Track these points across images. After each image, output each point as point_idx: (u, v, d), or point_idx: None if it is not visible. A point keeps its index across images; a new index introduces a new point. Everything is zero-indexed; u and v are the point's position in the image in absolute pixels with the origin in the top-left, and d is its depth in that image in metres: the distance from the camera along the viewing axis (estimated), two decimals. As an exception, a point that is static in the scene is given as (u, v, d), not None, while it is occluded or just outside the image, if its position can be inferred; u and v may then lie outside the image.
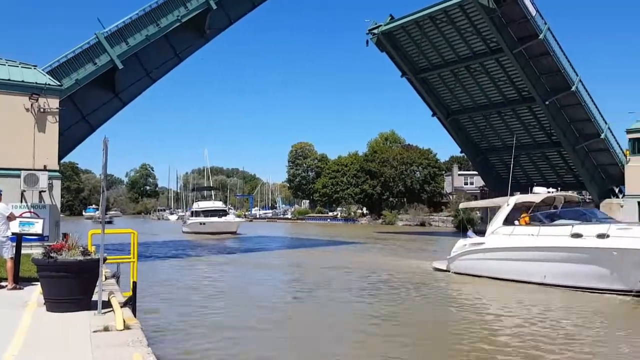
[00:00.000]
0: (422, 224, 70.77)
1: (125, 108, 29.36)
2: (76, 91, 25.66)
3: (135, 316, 7.56)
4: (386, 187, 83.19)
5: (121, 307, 7.20)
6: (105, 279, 9.96)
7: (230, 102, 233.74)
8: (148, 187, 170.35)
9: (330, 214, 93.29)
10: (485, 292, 18.01)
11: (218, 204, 61.31)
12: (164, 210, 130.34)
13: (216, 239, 45.18)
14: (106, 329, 6.31)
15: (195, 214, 57.61)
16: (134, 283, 8.86)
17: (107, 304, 7.44)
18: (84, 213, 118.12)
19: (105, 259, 7.99)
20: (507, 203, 20.92)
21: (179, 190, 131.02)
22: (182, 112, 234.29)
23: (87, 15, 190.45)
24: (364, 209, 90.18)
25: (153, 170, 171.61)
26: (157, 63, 29.21)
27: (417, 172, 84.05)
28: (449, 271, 21.48)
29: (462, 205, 28.12)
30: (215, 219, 53.44)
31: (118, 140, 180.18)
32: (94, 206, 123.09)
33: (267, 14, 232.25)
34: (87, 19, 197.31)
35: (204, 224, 52.79)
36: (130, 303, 8.32)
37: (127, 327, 6.38)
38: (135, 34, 26.93)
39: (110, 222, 77.92)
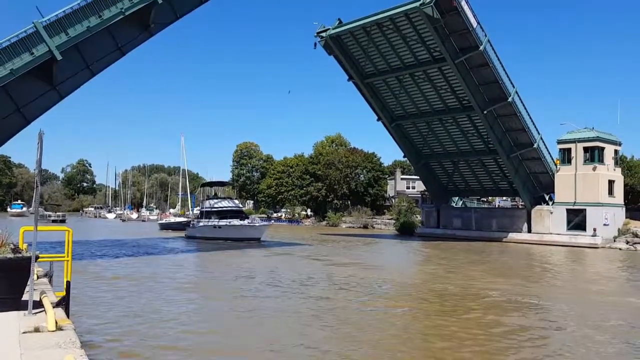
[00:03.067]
0: (365, 227, 71.90)
1: (62, 101, 28.35)
2: (11, 82, 24.61)
3: (68, 317, 7.36)
4: (331, 189, 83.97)
5: (54, 307, 6.99)
6: (37, 278, 9.61)
7: (173, 99, 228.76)
8: (85, 184, 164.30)
9: (275, 215, 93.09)
10: None
11: (232, 204, 49.24)
12: (101, 207, 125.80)
13: (235, 247, 37.49)
14: (37, 330, 6.11)
15: (207, 215, 46.23)
16: (68, 282, 8.59)
17: (39, 304, 7.21)
18: (9, 209, 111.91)
19: (37, 257, 7.73)
20: None
21: (117, 188, 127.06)
22: (121, 108, 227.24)
23: (25, 2, 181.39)
24: (309, 210, 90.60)
25: (90, 167, 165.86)
26: (98, 56, 28.38)
27: (362, 176, 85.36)
28: None
29: None
30: (237, 222, 43.24)
31: (54, 134, 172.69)
32: (20, 202, 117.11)
33: (214, 9, 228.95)
34: (25, 7, 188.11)
35: (220, 227, 43.09)
36: (64, 303, 8.09)
37: (59, 328, 6.20)
38: (75, 25, 26.10)
39: (63, 221, 73.77)
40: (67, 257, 8.88)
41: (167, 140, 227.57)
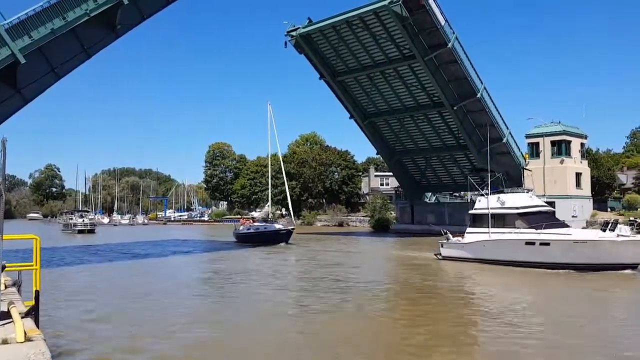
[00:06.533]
0: (341, 224, 72.14)
1: (28, 105, 27.66)
2: (-28, 86, 23.85)
3: (38, 327, 7.21)
4: (305, 188, 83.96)
5: (22, 317, 6.84)
6: (5, 287, 9.39)
7: (141, 99, 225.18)
8: (54, 189, 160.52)
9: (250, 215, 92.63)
10: None
11: (538, 202, 28.43)
12: (73, 212, 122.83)
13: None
14: (5, 342, 5.96)
15: (497, 221, 26.71)
16: (37, 292, 8.42)
17: (7, 315, 7.04)
18: None
19: (3, 267, 7.55)
20: None
21: (87, 192, 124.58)
22: (90, 110, 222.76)
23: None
24: (283, 210, 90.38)
25: (59, 171, 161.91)
26: (63, 58, 27.69)
27: (336, 173, 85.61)
28: None
29: None
30: (582, 233, 25.49)
31: (20, 139, 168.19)
32: None
33: (183, 10, 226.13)
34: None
35: (549, 244, 23.90)
36: (33, 313, 7.91)
37: (28, 339, 6.06)
38: (39, 27, 25.43)
39: (92, 231, 67.37)
40: (36, 265, 8.70)
41: (136, 142, 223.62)
